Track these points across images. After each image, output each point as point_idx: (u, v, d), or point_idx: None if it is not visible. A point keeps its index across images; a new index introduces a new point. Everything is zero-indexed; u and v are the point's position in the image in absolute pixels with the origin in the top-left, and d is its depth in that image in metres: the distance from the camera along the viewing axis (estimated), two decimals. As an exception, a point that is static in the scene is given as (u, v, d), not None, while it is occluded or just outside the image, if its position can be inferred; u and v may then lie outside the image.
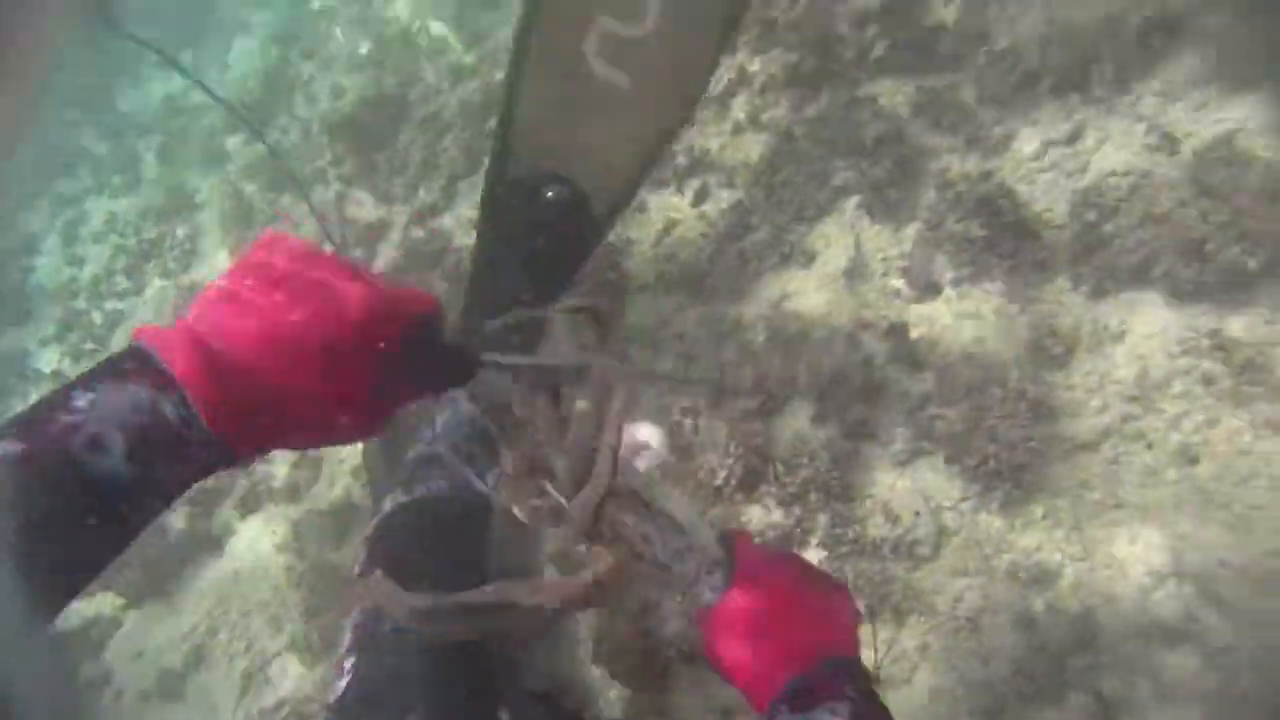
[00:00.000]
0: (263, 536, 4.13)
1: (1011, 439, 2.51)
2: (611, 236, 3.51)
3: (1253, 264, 2.49)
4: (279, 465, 4.30)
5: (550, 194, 2.31)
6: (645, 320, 3.29)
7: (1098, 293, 2.67)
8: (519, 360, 1.27)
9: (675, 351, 3.12)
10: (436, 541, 1.85)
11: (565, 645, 1.81)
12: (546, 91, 2.24)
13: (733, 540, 1.16)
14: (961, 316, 2.79)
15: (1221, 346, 2.49)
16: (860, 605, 1.19)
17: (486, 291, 2.39)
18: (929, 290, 2.87)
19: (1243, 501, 2.36)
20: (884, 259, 2.99)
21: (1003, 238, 2.77)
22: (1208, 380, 2.50)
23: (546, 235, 2.38)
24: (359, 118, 4.99)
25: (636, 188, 2.43)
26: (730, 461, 2.69)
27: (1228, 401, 2.46)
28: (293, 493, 4.12)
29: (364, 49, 6.11)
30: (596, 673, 2.57)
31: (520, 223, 2.38)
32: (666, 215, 3.48)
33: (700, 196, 3.42)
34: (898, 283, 2.93)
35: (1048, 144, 2.91)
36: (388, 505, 1.92)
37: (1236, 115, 2.66)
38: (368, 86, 5.53)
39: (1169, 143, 2.74)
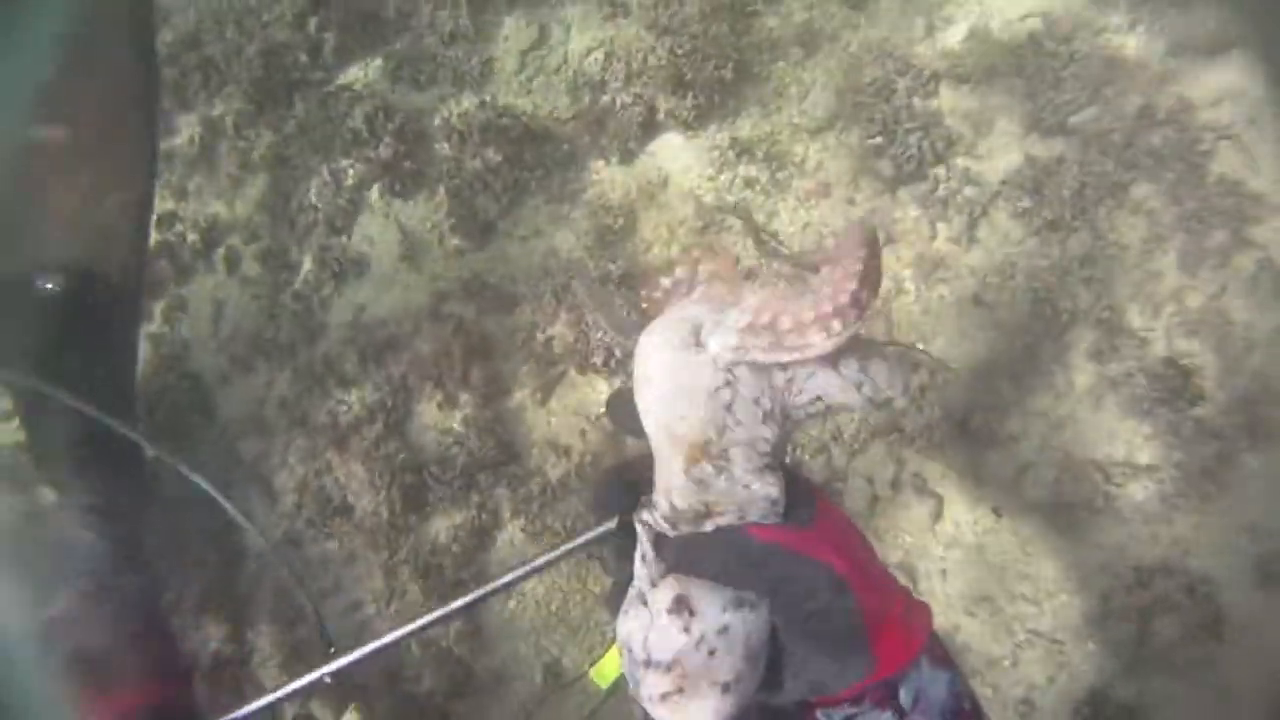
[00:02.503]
0: None
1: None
2: (165, 349, 3.02)
3: (728, 73, 2.60)
4: None
5: (47, 285, 1.92)
6: (242, 409, 2.84)
7: (626, 156, 2.67)
8: None
9: (285, 420, 2.71)
10: None
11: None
12: None
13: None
14: (523, 239, 2.67)
15: (745, 149, 2.57)
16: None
17: (50, 429, 2.04)
18: (486, 232, 2.72)
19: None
20: (431, 227, 2.79)
21: (521, 151, 2.68)
22: (749, 183, 2.57)
23: (76, 334, 2.00)
24: None
25: (146, 225, 2.13)
26: (383, 495, 2.34)
27: (772, 192, 2.55)
28: None
29: None
30: None
31: (34, 337, 1.96)
32: (211, 300, 3.03)
33: (232, 264, 3.01)
34: (455, 241, 2.75)
35: (523, 53, 2.87)
36: None
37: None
38: None
39: (621, 7, 2.80)
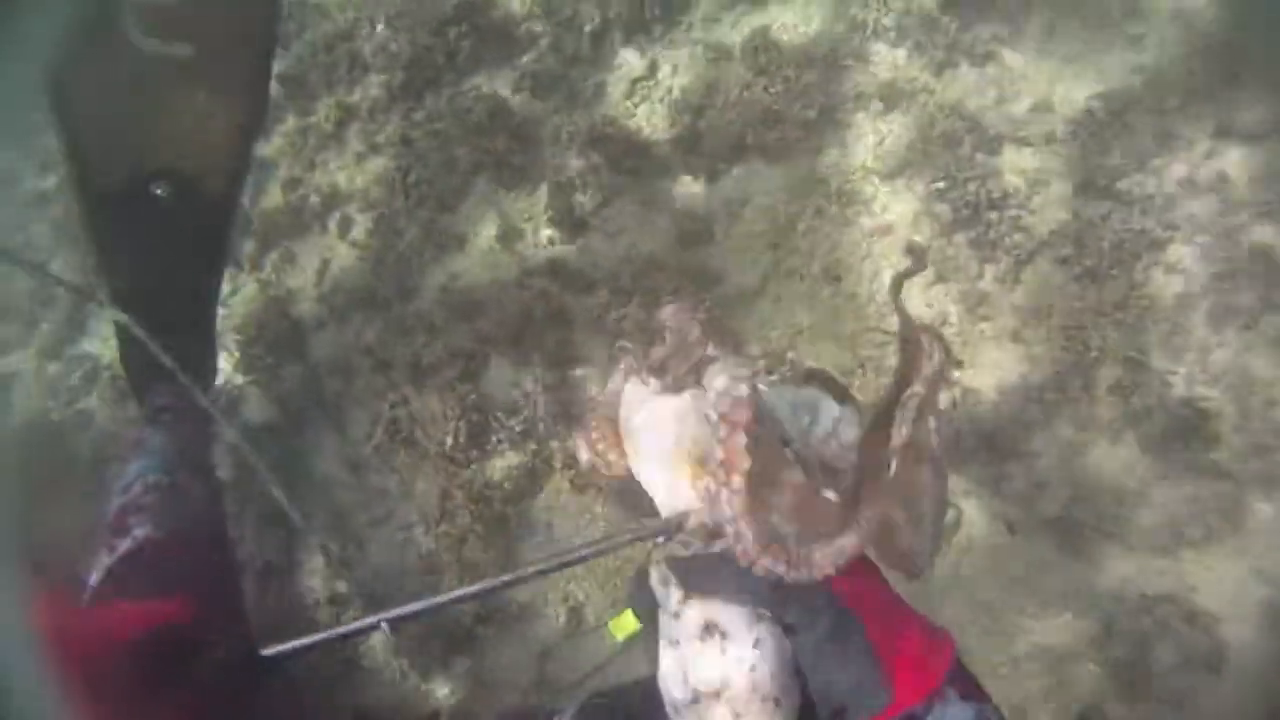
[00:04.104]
0: None
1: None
2: (272, 291, 3.35)
3: (813, 114, 2.91)
4: None
5: (158, 191, 2.12)
6: (332, 353, 3.12)
7: (713, 176, 2.97)
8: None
9: (369, 364, 2.97)
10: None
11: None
12: (102, 85, 2.05)
13: None
14: (611, 235, 2.96)
15: (821, 182, 2.86)
16: None
17: (149, 330, 2.07)
18: (578, 226, 3.01)
19: (880, 290, 2.68)
20: (529, 218, 3.10)
21: (622, 160, 3.00)
22: (819, 213, 2.84)
23: (173, 236, 2.19)
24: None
25: (248, 152, 2.30)
26: (451, 425, 2.58)
27: (840, 224, 2.82)
28: None
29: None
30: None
31: (138, 237, 2.17)
32: (319, 256, 3.36)
33: (345, 227, 3.36)
34: (549, 232, 3.05)
35: (633, 81, 3.23)
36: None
37: (765, 18, 3.16)
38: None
39: (722, 51, 3.17)
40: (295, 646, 1.07)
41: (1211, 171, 2.45)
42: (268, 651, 1.05)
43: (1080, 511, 2.29)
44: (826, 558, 0.99)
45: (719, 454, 0.98)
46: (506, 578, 1.18)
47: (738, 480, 0.97)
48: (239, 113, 2.19)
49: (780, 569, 0.97)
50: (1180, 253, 2.44)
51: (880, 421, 1.09)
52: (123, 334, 2.27)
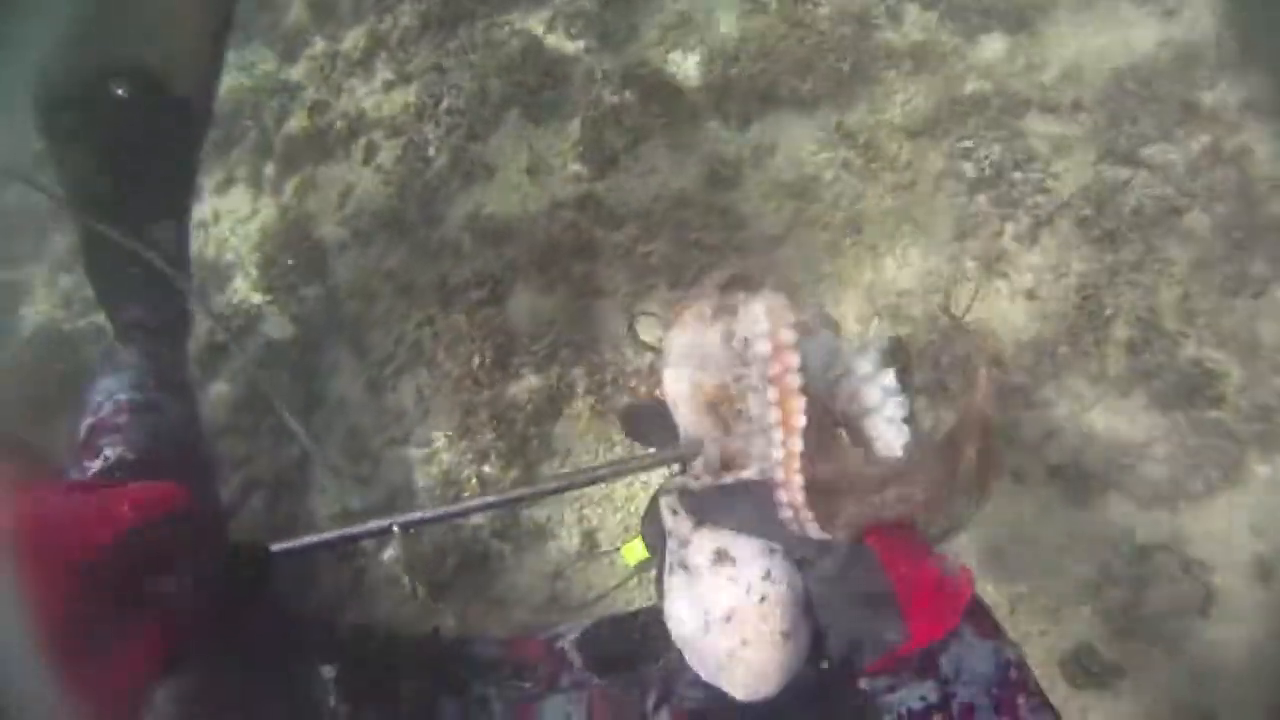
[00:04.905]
0: None
1: (715, 246, 2.71)
2: (292, 215, 3.35)
3: (845, 67, 2.95)
4: None
5: (119, 91, 1.95)
6: (353, 276, 3.14)
7: (744, 123, 3.00)
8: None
9: (391, 288, 3.00)
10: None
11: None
12: None
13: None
14: (641, 175, 2.99)
15: (847, 135, 2.90)
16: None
17: (103, 238, 2.01)
18: (607, 164, 3.04)
19: (898, 246, 2.75)
20: (558, 153, 3.13)
21: (653, 101, 3.03)
22: (846, 165, 2.89)
23: (137, 139, 2.02)
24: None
25: (217, 55, 2.14)
26: (478, 345, 2.62)
27: (865, 178, 2.87)
28: None
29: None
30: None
31: (99, 139, 2.00)
32: (342, 181, 3.37)
33: (370, 153, 3.37)
34: (577, 167, 3.08)
35: (666, 28, 3.26)
36: None
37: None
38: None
39: (760, 6, 3.20)
40: (305, 544, 1.03)
41: (1235, 143, 2.53)
42: (277, 547, 1.02)
43: (1086, 461, 2.37)
44: (853, 521, 1.00)
45: (773, 415, 0.99)
46: (523, 490, 1.18)
47: (796, 441, 0.98)
48: (204, 13, 2.08)
49: (813, 524, 0.99)
50: (1198, 220, 2.52)
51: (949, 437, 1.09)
52: (89, 245, 2.14)
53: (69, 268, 3.69)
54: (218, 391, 3.12)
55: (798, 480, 0.99)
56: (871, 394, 1.12)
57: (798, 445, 0.98)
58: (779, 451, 0.99)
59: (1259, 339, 2.39)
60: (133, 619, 0.85)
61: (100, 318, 3.48)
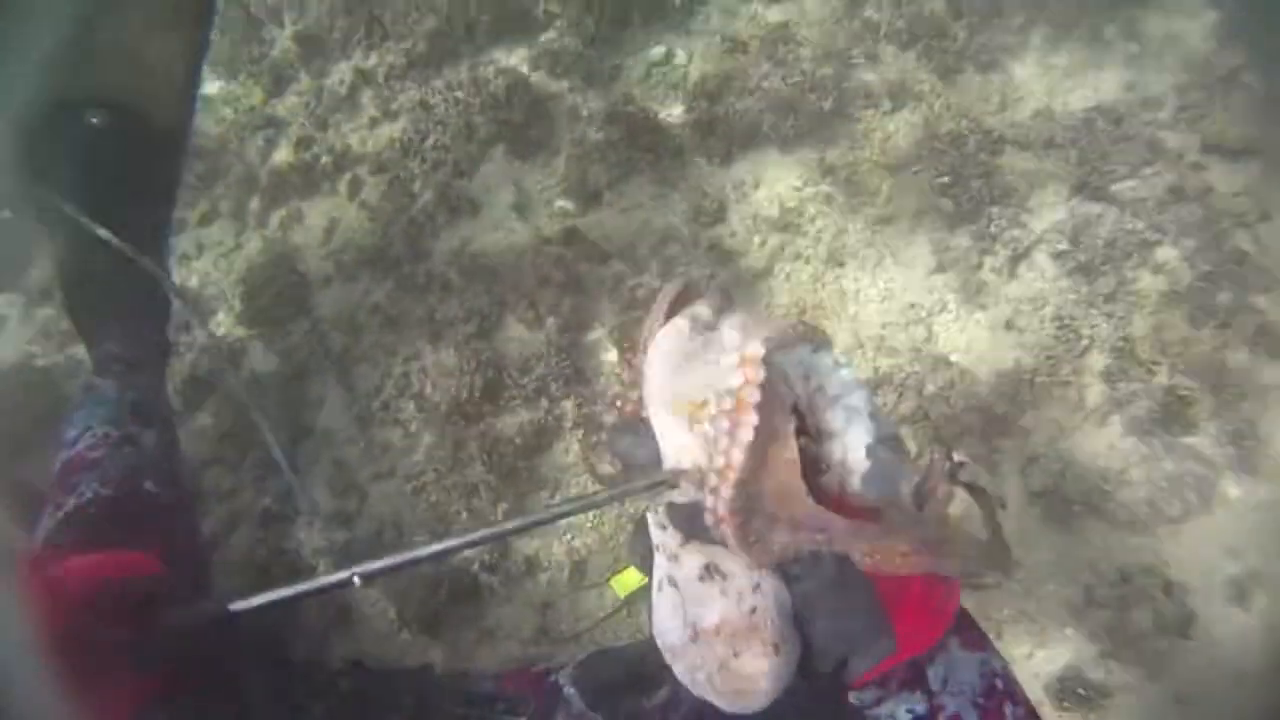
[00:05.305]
0: None
1: (702, 279, 2.76)
2: (278, 248, 3.35)
3: (826, 105, 3.04)
4: None
5: (94, 120, 1.94)
6: (339, 309, 3.14)
7: (727, 160, 3.08)
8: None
9: (377, 321, 3.01)
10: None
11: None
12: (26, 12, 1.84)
13: None
14: (625, 210, 3.04)
15: (829, 171, 2.98)
16: None
17: (81, 268, 2.04)
18: (592, 199, 3.09)
19: (880, 279, 2.82)
20: (543, 189, 3.17)
21: (638, 138, 3.09)
22: (828, 200, 2.97)
23: (115, 169, 2.00)
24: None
25: (192, 83, 2.11)
26: (467, 379, 2.63)
27: (846, 212, 2.95)
28: None
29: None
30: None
31: (76, 167, 1.97)
32: (327, 216, 3.38)
33: (354, 188, 3.39)
34: (563, 203, 3.12)
35: (650, 66, 3.33)
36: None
37: (784, 14, 3.29)
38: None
39: (739, 44, 3.29)
40: (263, 601, 1.00)
41: (1199, 182, 2.64)
42: (235, 606, 0.99)
43: (1066, 487, 2.43)
44: (777, 549, 0.98)
45: (725, 423, 0.96)
46: (486, 531, 1.09)
47: (736, 454, 0.95)
48: (178, 41, 2.06)
49: (732, 540, 0.97)
50: (1167, 254, 2.62)
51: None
52: (69, 276, 2.11)
53: (47, 300, 3.65)
54: (200, 424, 3.08)
55: (726, 493, 0.96)
56: (836, 417, 1.06)
57: (738, 458, 0.95)
58: (719, 460, 0.96)
59: (1226, 366, 2.48)
60: (107, 677, 0.87)
61: (78, 351, 3.47)
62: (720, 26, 3.37)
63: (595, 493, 1.10)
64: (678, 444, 1.05)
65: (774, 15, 3.32)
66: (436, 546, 1.05)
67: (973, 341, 2.72)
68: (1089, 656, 2.34)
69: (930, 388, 2.59)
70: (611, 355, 2.79)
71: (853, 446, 1.03)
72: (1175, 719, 2.29)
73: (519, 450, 2.62)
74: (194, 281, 3.46)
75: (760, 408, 0.94)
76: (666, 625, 1.04)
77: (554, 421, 2.68)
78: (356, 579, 1.01)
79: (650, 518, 1.08)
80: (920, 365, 2.68)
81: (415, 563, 1.05)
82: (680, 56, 3.36)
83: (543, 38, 3.48)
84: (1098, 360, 2.55)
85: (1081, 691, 2.29)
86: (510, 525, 1.09)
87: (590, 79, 3.36)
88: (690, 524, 1.03)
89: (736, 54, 3.28)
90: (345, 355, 3.05)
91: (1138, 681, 2.29)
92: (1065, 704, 2.30)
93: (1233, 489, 2.40)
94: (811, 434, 1.07)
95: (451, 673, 1.51)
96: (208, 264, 3.55)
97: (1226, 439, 2.40)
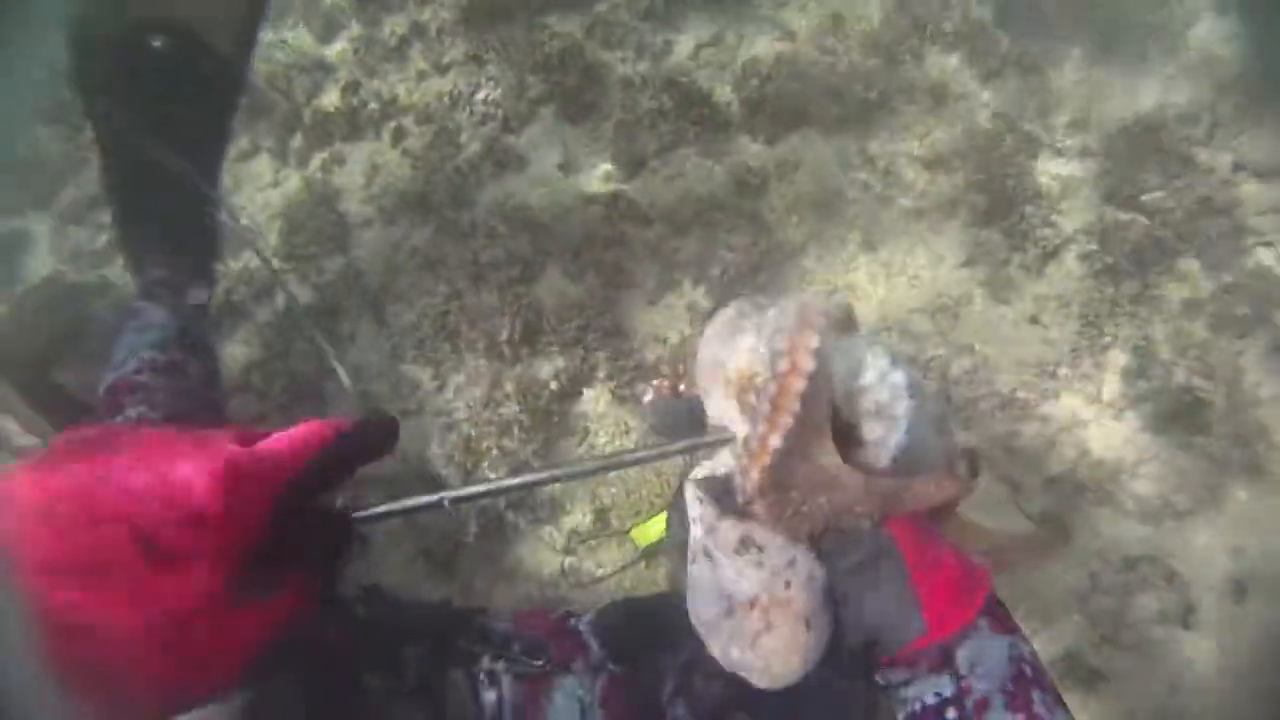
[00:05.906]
0: None
1: (742, 247, 2.84)
2: (318, 188, 3.39)
3: (872, 96, 3.13)
4: None
5: (155, 44, 1.92)
6: (376, 249, 3.19)
7: (772, 139, 3.15)
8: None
9: (415, 263, 3.05)
10: None
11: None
12: None
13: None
14: (670, 178, 3.11)
15: (869, 159, 3.07)
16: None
17: (134, 190, 2.04)
18: (638, 165, 3.16)
19: (911, 266, 2.90)
20: (590, 151, 3.24)
21: (688, 111, 3.17)
22: (865, 187, 3.05)
23: (173, 94, 2.00)
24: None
25: (258, 12, 2.13)
26: (507, 319, 2.68)
27: (883, 200, 3.03)
28: None
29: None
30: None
31: (134, 92, 1.97)
32: (369, 161, 3.43)
33: (399, 136, 3.44)
34: (608, 166, 3.19)
35: (699, 45, 3.41)
36: None
37: (834, 7, 3.38)
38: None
39: (789, 32, 3.37)
40: (377, 513, 0.94)
41: (1227, 197, 2.74)
42: (359, 514, 0.93)
43: (1082, 475, 2.52)
44: (808, 526, 1.00)
45: (765, 407, 0.98)
46: (562, 470, 1.08)
47: (775, 439, 0.96)
48: None
49: (765, 514, 1.00)
50: (1191, 264, 2.72)
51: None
52: (122, 200, 2.12)
53: (79, 220, 3.66)
54: (230, 352, 3.11)
55: (759, 471, 0.98)
56: (875, 396, 1.06)
57: (777, 442, 0.97)
58: (755, 443, 0.99)
59: (1241, 374, 2.58)
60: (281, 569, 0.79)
61: (107, 272, 3.49)
62: (771, 14, 3.45)
63: (664, 443, 1.10)
64: (723, 413, 1.09)
65: (824, 7, 3.40)
66: (519, 479, 1.04)
67: (995, 334, 2.81)
68: (1090, 640, 2.42)
69: (955, 370, 2.67)
70: (650, 314, 2.85)
71: (885, 430, 1.04)
72: (1168, 706, 2.38)
73: (554, 394, 2.68)
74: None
75: (805, 397, 0.96)
76: (701, 599, 1.04)
77: (588, 371, 2.74)
78: (446, 502, 0.99)
79: (688, 490, 1.09)
80: (945, 350, 2.76)
81: (502, 492, 1.07)
82: (730, 38, 3.44)
83: (597, 9, 3.55)
84: (1118, 357, 2.64)
85: (1079, 674, 2.37)
86: (590, 465, 1.08)
87: (642, 52, 3.43)
88: (724, 497, 1.04)
89: (786, 40, 3.37)
90: (382, 293, 3.09)
91: (1134, 668, 2.37)
92: (1064, 684, 2.37)
93: (1239, 491, 2.49)
94: (849, 420, 1.08)
95: (469, 609, 1.51)
96: (244, 198, 3.58)
97: (1236, 442, 2.50)
